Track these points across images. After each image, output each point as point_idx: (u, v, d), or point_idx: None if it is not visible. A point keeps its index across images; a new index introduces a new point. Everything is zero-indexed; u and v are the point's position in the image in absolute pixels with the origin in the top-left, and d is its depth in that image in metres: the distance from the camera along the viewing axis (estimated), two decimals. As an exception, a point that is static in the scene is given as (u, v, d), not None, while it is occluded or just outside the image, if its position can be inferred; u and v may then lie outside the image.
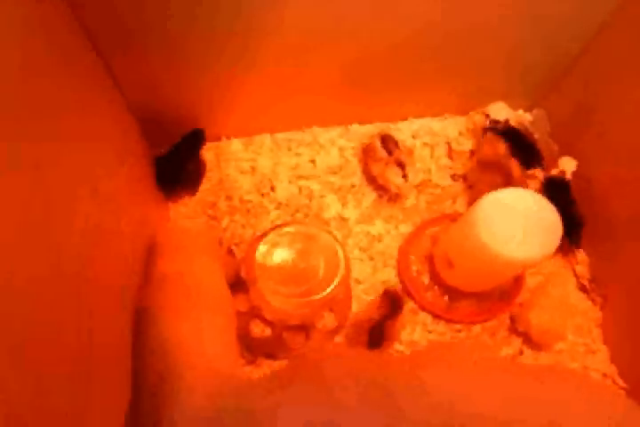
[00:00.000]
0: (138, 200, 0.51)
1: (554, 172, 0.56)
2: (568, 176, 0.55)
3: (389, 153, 0.58)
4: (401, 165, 0.57)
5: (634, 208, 0.50)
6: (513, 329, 0.54)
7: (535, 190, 0.49)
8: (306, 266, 0.45)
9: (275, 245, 0.45)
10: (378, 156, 0.58)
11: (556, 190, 0.54)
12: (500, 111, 0.58)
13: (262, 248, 0.45)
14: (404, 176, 0.56)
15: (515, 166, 0.53)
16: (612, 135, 0.53)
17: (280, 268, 0.45)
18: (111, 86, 0.48)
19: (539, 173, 0.56)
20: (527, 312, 0.52)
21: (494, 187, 0.45)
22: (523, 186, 0.52)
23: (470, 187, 0.60)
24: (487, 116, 0.58)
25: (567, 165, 0.55)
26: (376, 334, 0.50)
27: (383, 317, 0.50)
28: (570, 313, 0.53)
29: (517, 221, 0.43)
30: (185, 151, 0.57)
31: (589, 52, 0.54)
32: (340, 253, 0.45)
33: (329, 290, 0.44)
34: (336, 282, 0.44)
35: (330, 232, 0.46)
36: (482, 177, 0.56)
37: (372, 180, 0.60)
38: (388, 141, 0.59)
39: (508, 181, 0.53)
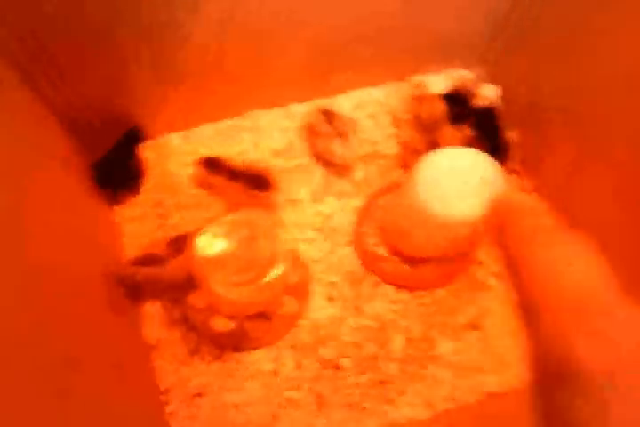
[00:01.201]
0: (78, 207, 0.50)
1: (479, 102, 0.55)
2: (495, 103, 0.55)
3: (331, 126, 0.56)
4: (344, 136, 0.56)
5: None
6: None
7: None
8: (250, 252, 0.43)
9: (215, 236, 0.44)
10: (320, 131, 0.57)
11: (483, 119, 0.55)
12: (440, 82, 0.57)
13: (202, 241, 0.43)
14: (348, 146, 0.55)
15: (447, 130, 0.52)
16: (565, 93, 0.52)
17: (225, 258, 0.43)
18: (32, 88, 0.46)
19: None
20: None
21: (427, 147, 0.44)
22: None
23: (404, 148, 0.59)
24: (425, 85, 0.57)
25: (489, 92, 0.55)
26: None
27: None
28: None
29: (457, 180, 0.41)
30: (121, 152, 0.56)
31: (523, 12, 0.53)
32: (281, 233, 0.43)
33: (276, 271, 0.43)
34: (281, 261, 0.42)
35: (269, 214, 0.45)
36: (416, 137, 0.55)
37: (318, 157, 0.59)
38: (328, 115, 0.57)
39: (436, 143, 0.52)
